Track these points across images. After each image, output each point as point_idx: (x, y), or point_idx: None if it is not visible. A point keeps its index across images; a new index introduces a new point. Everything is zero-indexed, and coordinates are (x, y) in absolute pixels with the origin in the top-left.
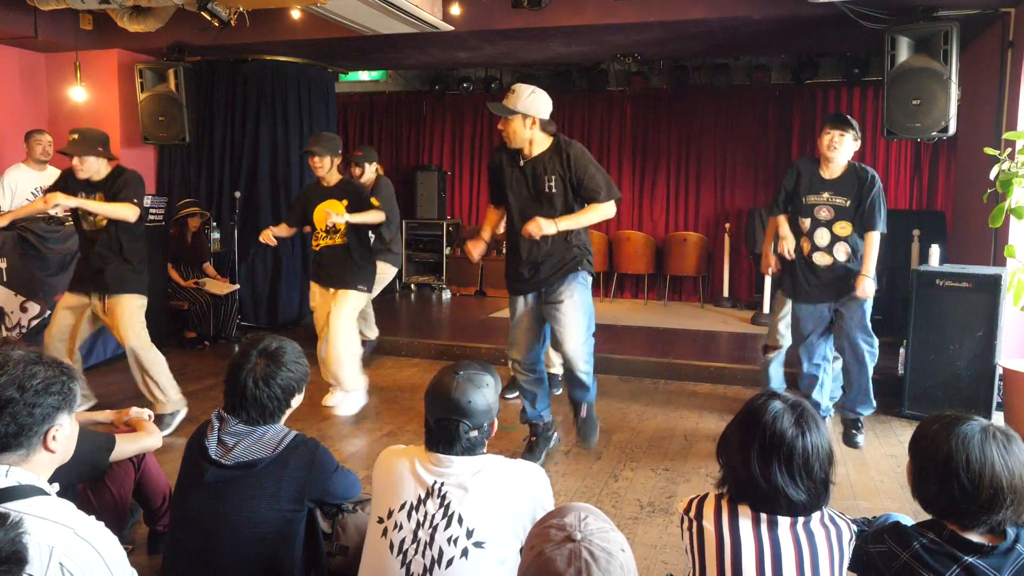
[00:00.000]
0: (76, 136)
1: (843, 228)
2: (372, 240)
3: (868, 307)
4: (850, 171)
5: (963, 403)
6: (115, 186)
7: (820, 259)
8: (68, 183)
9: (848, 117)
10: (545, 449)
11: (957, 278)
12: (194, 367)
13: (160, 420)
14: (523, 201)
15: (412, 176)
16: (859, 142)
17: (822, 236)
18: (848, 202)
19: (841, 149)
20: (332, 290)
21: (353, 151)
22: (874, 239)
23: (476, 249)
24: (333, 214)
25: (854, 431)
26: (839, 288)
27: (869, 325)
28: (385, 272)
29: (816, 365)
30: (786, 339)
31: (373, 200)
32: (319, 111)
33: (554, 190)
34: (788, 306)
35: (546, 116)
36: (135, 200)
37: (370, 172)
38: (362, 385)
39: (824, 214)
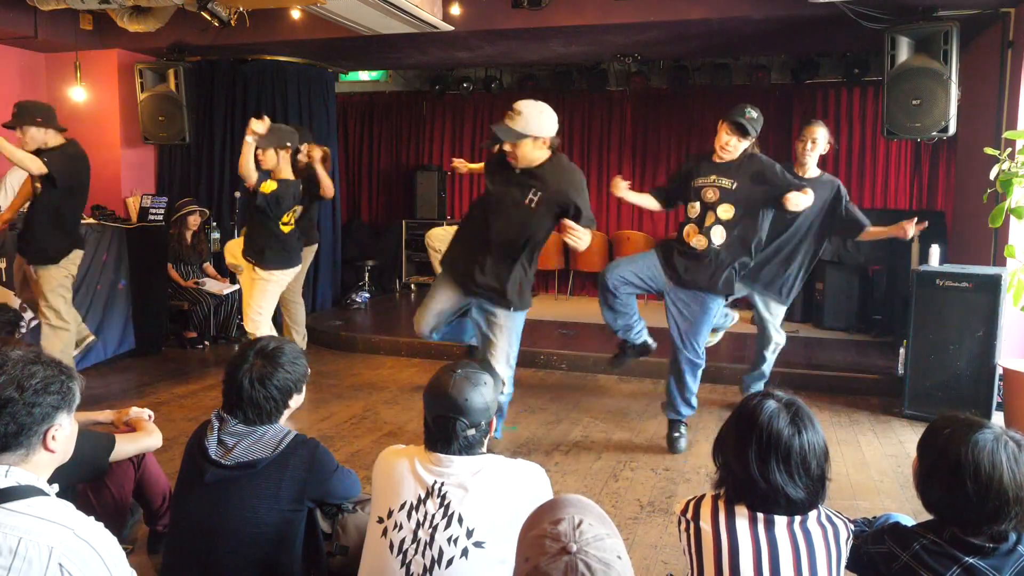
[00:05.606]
0: (14, 109)
1: (726, 211)
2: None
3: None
4: (743, 158)
5: (963, 403)
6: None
7: (696, 242)
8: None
9: (747, 120)
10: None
11: (957, 278)
12: (194, 367)
13: None
14: (500, 209)
15: (412, 176)
16: (754, 138)
17: (708, 218)
18: (735, 184)
19: (735, 152)
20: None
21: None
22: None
23: (463, 167)
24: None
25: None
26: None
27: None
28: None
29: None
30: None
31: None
32: (319, 111)
33: (533, 205)
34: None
35: (554, 132)
36: (45, 159)
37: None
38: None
39: (710, 195)
